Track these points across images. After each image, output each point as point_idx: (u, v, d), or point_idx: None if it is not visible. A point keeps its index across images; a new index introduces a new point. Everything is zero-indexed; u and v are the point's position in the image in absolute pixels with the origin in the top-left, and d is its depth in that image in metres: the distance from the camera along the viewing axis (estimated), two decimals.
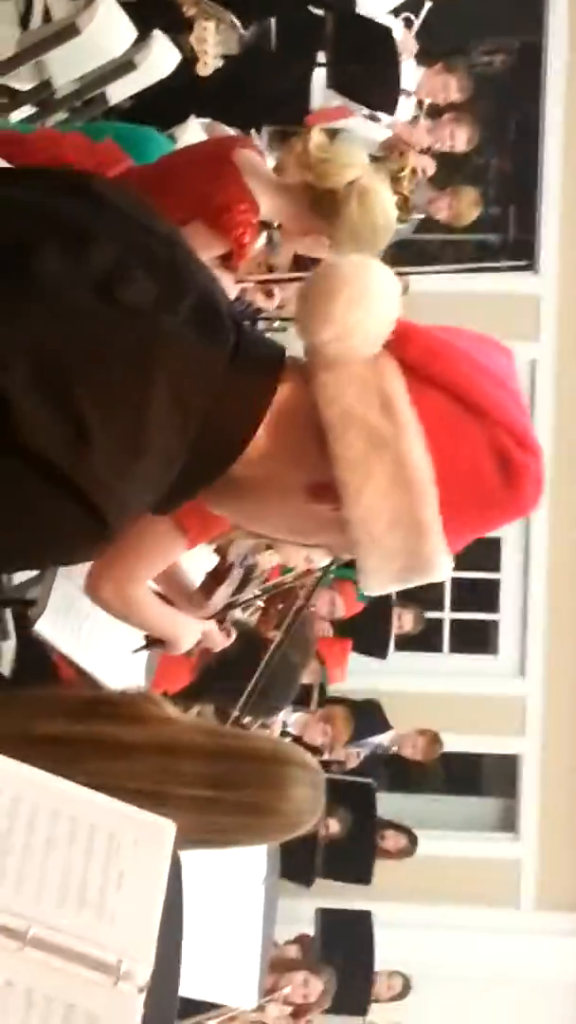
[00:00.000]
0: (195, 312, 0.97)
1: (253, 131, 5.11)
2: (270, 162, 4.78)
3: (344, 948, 5.62)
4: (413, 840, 5.63)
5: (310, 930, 5.60)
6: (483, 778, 7.28)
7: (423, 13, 5.46)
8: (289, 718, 5.44)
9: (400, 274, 5.71)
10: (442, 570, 1.01)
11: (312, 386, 0.99)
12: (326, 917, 5.76)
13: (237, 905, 3.43)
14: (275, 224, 2.90)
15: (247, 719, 3.12)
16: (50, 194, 1.03)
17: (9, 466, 0.89)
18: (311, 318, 0.99)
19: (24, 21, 4.88)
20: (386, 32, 5.11)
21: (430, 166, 5.10)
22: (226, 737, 1.84)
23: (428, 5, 5.45)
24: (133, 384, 0.92)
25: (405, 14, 5.55)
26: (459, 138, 5.31)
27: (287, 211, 2.80)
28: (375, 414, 0.98)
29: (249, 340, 1.03)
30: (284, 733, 5.17)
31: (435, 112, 5.49)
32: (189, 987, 2.31)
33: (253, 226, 2.71)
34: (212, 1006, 3.58)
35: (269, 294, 4.02)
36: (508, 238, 7.16)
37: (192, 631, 2.27)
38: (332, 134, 3.18)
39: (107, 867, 1.25)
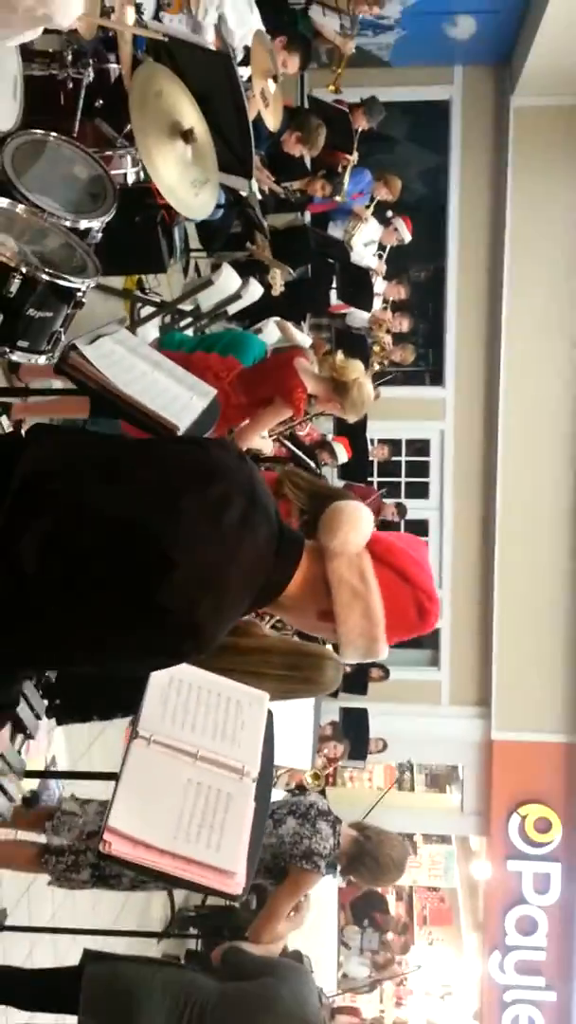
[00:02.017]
0: (264, 521, 1.45)
1: (303, 321, 7.28)
2: (308, 340, 6.10)
3: (354, 727, 8.24)
4: (387, 672, 8.35)
5: (336, 717, 8.27)
6: (421, 638, 8.93)
7: (386, 252, 8.23)
8: None
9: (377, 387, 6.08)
10: (383, 656, 1.54)
11: (324, 559, 1.50)
12: (345, 712, 8.38)
13: (299, 712, 4.54)
14: (313, 396, 3.81)
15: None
16: (192, 488, 1.47)
17: (154, 622, 1.36)
18: (328, 532, 1.52)
19: (185, 271, 6.40)
20: (365, 271, 7.75)
21: (390, 339, 8.21)
22: (295, 644, 2.68)
23: (388, 247, 8.20)
24: (231, 575, 1.40)
25: (378, 251, 8.16)
26: (404, 325, 8.51)
27: (320, 390, 3.75)
28: (356, 580, 1.48)
29: (286, 530, 1.51)
30: None
31: (394, 306, 8.45)
32: (276, 759, 2.59)
33: (305, 399, 3.69)
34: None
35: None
36: (429, 367, 9.64)
37: None
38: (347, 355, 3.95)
39: (236, 718, 2.12)
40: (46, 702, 2.42)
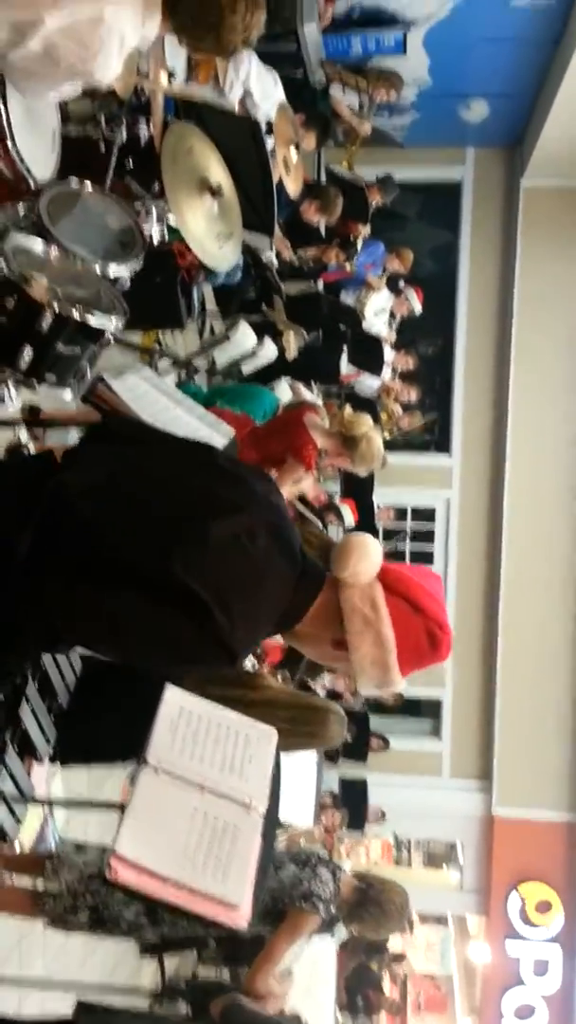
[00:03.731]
0: (287, 555, 1.54)
1: (313, 383, 6.73)
2: (319, 400, 6.18)
3: (352, 797, 8.37)
4: (387, 742, 8.60)
5: (336, 788, 8.57)
6: (422, 707, 9.50)
7: (397, 321, 8.41)
8: (326, 679, 6.60)
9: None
10: (398, 687, 1.59)
11: (338, 590, 1.57)
12: (343, 783, 8.64)
13: (303, 771, 4.88)
14: (324, 451, 3.93)
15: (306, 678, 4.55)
16: (219, 481, 1.57)
17: (202, 637, 1.44)
18: (339, 564, 1.57)
19: (201, 332, 6.35)
20: (375, 338, 7.85)
21: (399, 407, 8.47)
22: (299, 697, 2.77)
23: (398, 317, 8.37)
24: (257, 599, 1.48)
25: (387, 319, 8.25)
26: (412, 394, 8.70)
27: (330, 445, 3.87)
28: (368, 609, 1.54)
29: (308, 562, 1.60)
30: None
31: (402, 376, 8.65)
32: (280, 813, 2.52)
33: (315, 455, 3.81)
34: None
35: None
36: (435, 436, 9.89)
37: None
38: (355, 407, 4.44)
39: (245, 752, 2.14)
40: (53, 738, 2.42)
